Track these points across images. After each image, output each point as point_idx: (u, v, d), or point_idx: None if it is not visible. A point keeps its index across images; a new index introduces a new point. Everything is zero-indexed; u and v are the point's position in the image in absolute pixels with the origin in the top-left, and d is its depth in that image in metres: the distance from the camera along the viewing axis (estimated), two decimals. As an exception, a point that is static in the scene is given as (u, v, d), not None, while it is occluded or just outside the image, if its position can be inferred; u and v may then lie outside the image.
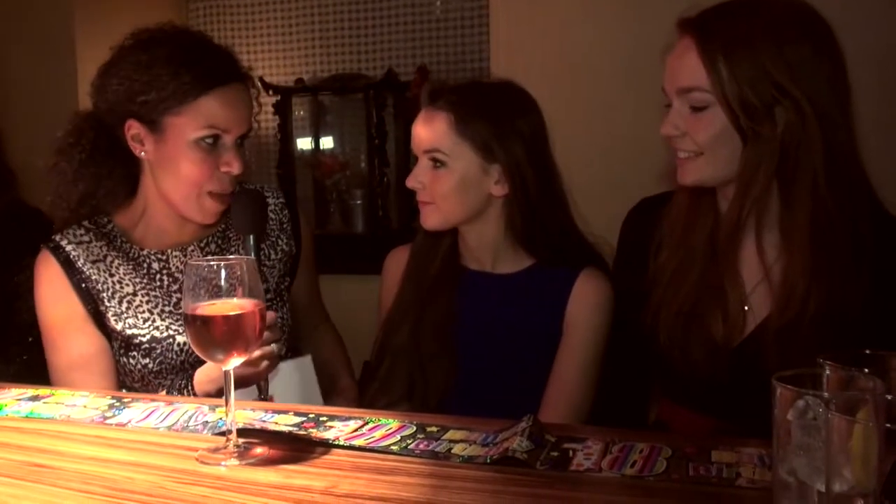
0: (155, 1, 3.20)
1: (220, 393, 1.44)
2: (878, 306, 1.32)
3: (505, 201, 1.65)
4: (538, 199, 1.65)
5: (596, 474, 1.06)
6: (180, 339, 1.65)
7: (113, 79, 1.61)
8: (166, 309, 1.66)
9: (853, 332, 1.29)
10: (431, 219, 1.67)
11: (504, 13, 2.58)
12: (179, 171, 1.60)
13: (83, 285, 1.63)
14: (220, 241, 1.74)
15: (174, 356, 1.65)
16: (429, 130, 1.64)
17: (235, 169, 1.61)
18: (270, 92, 3.08)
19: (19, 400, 1.45)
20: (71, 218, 1.68)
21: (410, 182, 1.67)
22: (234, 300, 1.14)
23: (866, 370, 0.84)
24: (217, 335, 1.15)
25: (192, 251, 1.71)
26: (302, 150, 3.19)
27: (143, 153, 1.63)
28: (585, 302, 1.64)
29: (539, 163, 1.66)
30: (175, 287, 1.68)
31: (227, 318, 1.15)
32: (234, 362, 1.16)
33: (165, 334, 1.65)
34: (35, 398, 1.46)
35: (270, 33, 3.28)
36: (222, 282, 1.14)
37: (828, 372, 0.85)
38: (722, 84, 1.31)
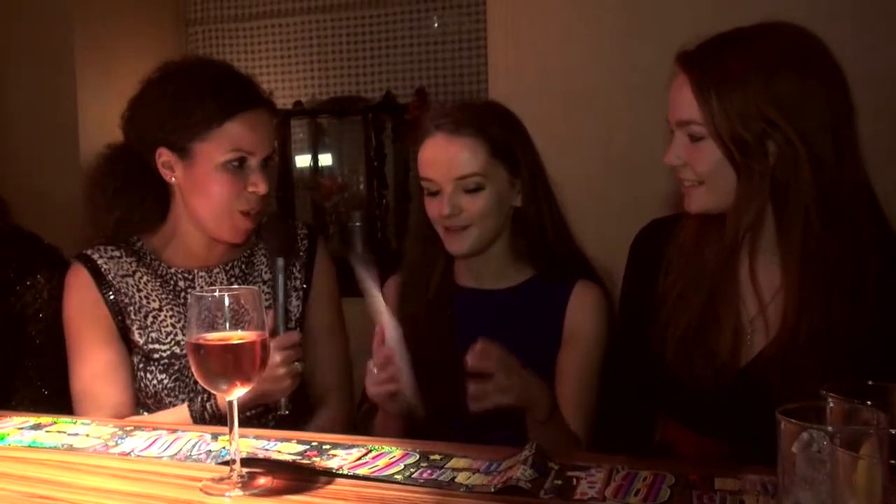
0: (154, 25, 3.22)
1: (245, 405, 1.51)
2: (886, 332, 1.32)
3: (515, 213, 1.70)
4: (547, 208, 1.71)
5: (600, 503, 1.06)
6: None
7: (142, 110, 1.69)
8: None
9: (859, 358, 1.30)
10: (465, 243, 1.67)
11: (502, 35, 2.59)
12: (209, 193, 1.66)
13: (112, 298, 1.69)
14: (244, 266, 1.78)
15: (189, 374, 1.67)
16: (460, 157, 1.64)
17: (262, 189, 1.67)
18: (270, 114, 3.09)
19: (21, 429, 1.44)
20: (108, 244, 1.74)
21: (447, 210, 1.64)
22: (238, 331, 1.15)
23: (869, 402, 0.84)
24: (219, 365, 1.15)
25: (218, 273, 1.76)
26: (301, 172, 3.20)
27: (173, 179, 1.69)
28: (583, 312, 1.67)
29: (542, 172, 1.73)
30: None
31: (229, 347, 1.15)
32: (237, 392, 1.16)
33: (185, 351, 1.66)
34: (37, 427, 1.45)
35: (269, 56, 3.29)
36: (226, 311, 1.14)
37: (831, 404, 0.85)
38: (714, 119, 1.33)
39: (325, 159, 3.22)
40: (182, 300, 1.72)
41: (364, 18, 3.16)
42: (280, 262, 1.65)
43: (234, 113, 1.64)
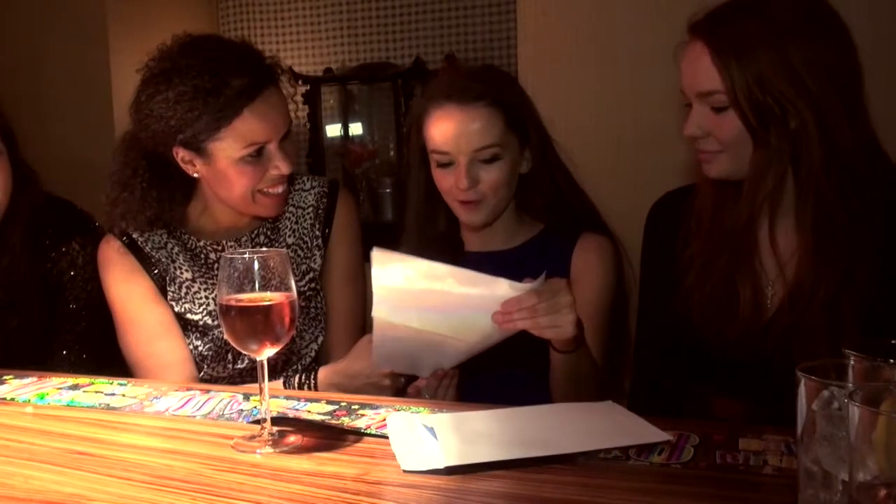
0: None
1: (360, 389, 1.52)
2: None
3: (521, 177, 1.72)
4: (557, 168, 1.74)
5: (624, 462, 1.08)
6: None
7: (147, 118, 1.64)
8: None
9: (876, 318, 1.30)
10: (482, 214, 1.69)
11: (531, 0, 2.58)
12: (233, 184, 1.66)
13: (150, 266, 1.74)
14: (269, 232, 1.80)
15: (223, 344, 1.72)
16: (477, 128, 1.63)
17: (285, 169, 1.66)
18: (300, 82, 3.11)
19: (60, 389, 1.49)
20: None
21: (464, 183, 1.63)
22: (267, 292, 1.17)
23: (891, 360, 0.84)
24: (249, 326, 1.18)
25: (245, 242, 1.78)
26: (331, 139, 3.22)
27: (195, 173, 1.69)
28: (587, 260, 1.70)
29: (548, 134, 1.75)
30: None
31: (259, 308, 1.17)
32: (268, 352, 1.19)
33: (217, 321, 1.72)
34: (75, 387, 1.50)
35: (299, 23, 3.30)
36: (255, 273, 1.17)
37: (852, 362, 0.85)
38: (735, 88, 1.33)
39: (356, 126, 3.23)
40: (214, 272, 1.75)
41: (393, -16, 3.16)
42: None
43: (241, 108, 1.59)
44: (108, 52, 2.83)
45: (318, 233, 1.82)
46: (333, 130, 3.22)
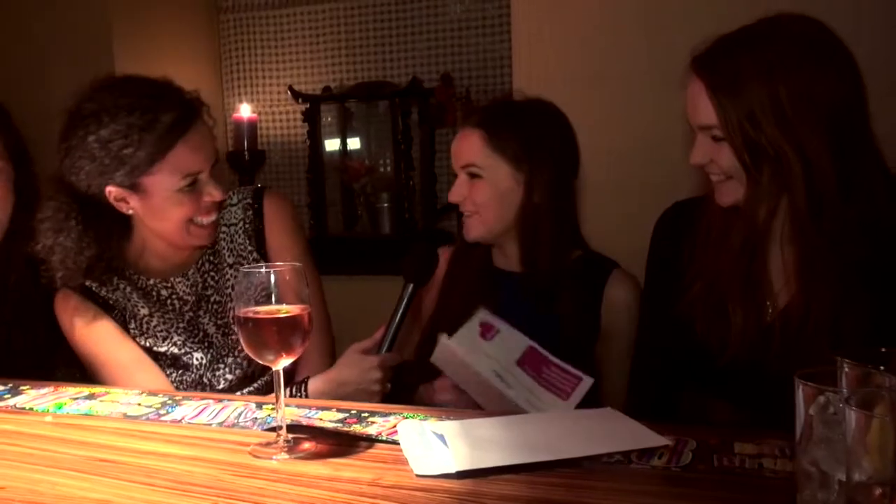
0: (188, 13, 3.29)
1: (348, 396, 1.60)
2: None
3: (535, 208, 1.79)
4: (557, 209, 1.80)
5: (626, 466, 1.12)
6: (198, 354, 1.77)
7: (79, 160, 1.63)
8: (180, 326, 1.77)
9: (869, 332, 1.35)
10: (475, 230, 1.82)
11: (524, 20, 2.64)
12: (169, 216, 1.67)
13: (109, 308, 1.73)
14: (212, 258, 1.82)
15: (193, 370, 1.76)
16: (464, 147, 1.81)
17: (217, 196, 1.70)
18: (300, 100, 3.17)
19: (76, 399, 1.52)
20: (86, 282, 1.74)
21: (452, 196, 1.82)
22: (284, 305, 1.22)
23: (882, 367, 0.89)
24: (267, 337, 1.22)
25: (193, 274, 1.80)
26: (330, 156, 3.27)
27: (130, 210, 1.69)
28: (622, 300, 1.78)
29: (564, 177, 1.82)
30: (187, 307, 1.79)
31: (276, 320, 1.22)
32: (284, 363, 1.23)
33: (184, 350, 1.76)
34: (91, 396, 1.53)
35: (299, 43, 3.35)
36: (271, 287, 1.21)
37: (846, 369, 0.90)
38: (728, 125, 1.38)
39: (354, 143, 3.28)
40: (169, 307, 1.77)
41: (390, 5, 3.21)
42: (410, 287, 1.67)
43: (174, 141, 1.61)
44: (114, 72, 2.85)
45: (251, 247, 1.82)
46: (332, 146, 3.27)
